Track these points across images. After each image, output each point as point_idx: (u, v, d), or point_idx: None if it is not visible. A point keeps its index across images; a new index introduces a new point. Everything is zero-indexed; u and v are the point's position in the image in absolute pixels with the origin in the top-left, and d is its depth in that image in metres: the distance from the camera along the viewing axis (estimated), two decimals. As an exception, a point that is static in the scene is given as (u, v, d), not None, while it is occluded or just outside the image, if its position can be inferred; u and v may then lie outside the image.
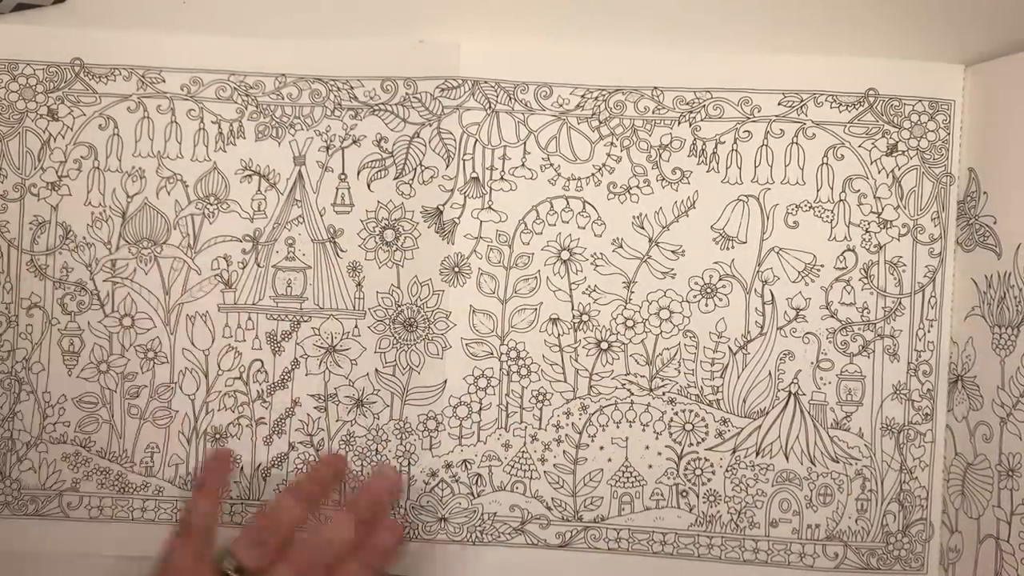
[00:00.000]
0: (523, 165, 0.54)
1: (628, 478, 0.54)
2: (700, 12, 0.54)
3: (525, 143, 0.54)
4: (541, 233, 0.54)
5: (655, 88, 0.54)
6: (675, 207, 0.54)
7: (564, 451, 0.54)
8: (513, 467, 0.54)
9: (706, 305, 0.54)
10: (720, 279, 0.54)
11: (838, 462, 0.53)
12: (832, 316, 0.53)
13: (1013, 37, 0.53)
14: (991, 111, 0.52)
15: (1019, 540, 0.49)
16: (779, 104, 0.53)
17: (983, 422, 0.51)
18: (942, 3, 0.54)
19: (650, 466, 0.54)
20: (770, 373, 0.54)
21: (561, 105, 0.54)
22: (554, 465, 0.54)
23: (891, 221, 0.53)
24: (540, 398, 0.54)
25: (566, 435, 0.54)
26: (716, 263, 0.54)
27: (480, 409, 0.54)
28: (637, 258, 0.54)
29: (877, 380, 0.53)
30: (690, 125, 0.54)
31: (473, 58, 0.54)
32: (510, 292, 0.54)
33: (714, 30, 0.54)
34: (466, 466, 0.54)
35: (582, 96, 0.54)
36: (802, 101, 0.53)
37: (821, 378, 0.53)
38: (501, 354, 0.54)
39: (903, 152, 0.53)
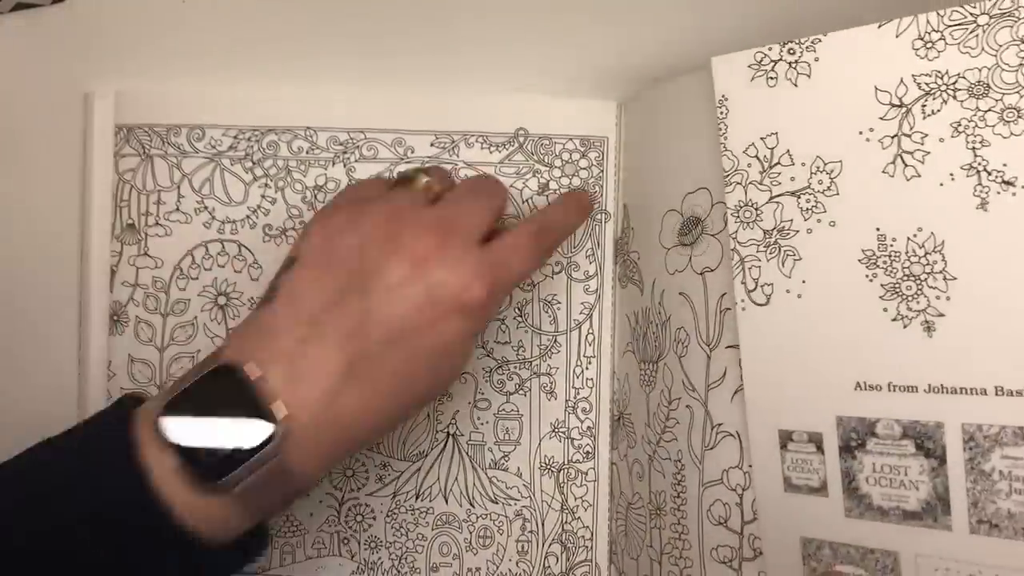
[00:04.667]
0: (177, 209, 0.53)
1: (289, 528, 0.52)
2: (353, 52, 0.54)
3: (179, 187, 0.53)
4: (197, 278, 0.53)
5: (308, 128, 0.53)
6: (333, 249, 0.53)
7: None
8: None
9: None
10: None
11: (497, 503, 0.53)
12: (488, 355, 0.53)
13: (671, 71, 0.54)
14: (638, 145, 0.53)
15: (671, 579, 0.49)
16: (431, 145, 0.53)
17: (637, 459, 0.51)
18: (596, 41, 0.55)
19: (311, 514, 0.53)
20: (428, 414, 0.53)
21: (214, 147, 0.53)
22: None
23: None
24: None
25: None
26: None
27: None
28: (297, 302, 0.53)
29: (535, 418, 0.53)
30: (345, 165, 0.53)
31: (125, 104, 0.53)
32: (167, 340, 0.53)
33: (367, 70, 0.54)
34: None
35: (234, 137, 0.53)
36: (453, 142, 0.53)
37: (479, 418, 0.53)
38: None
39: (555, 191, 0.53)
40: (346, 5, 0.54)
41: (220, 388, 0.39)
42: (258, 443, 0.38)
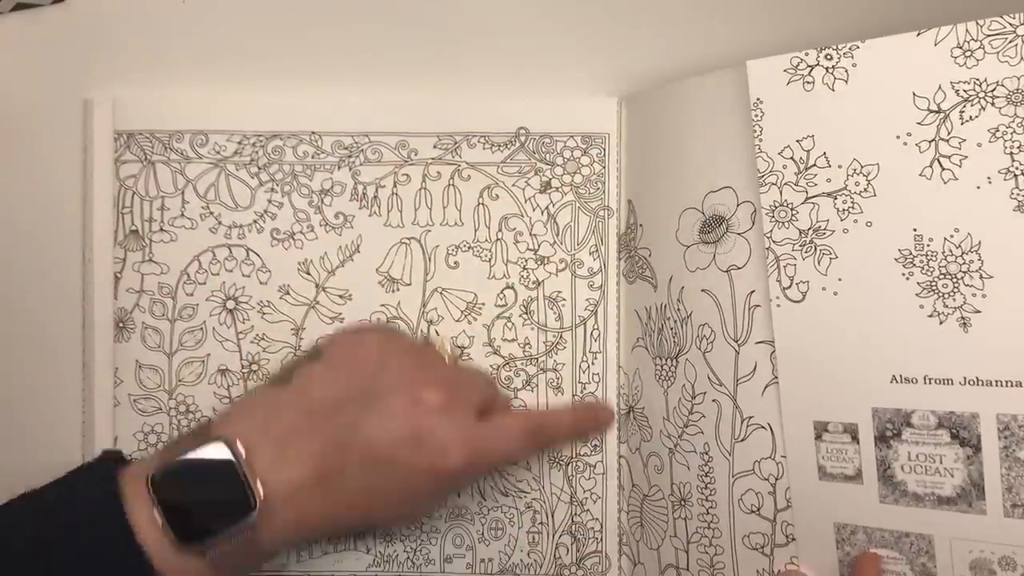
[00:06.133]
0: (182, 215, 0.53)
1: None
2: (355, 56, 0.54)
3: (183, 192, 0.53)
4: (205, 283, 0.53)
5: (313, 133, 0.54)
6: (340, 252, 0.54)
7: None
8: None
9: (375, 348, 0.54)
10: (387, 322, 0.54)
11: (508, 496, 0.54)
12: (495, 352, 0.54)
13: (668, 69, 0.55)
14: (645, 142, 0.53)
15: (698, 568, 0.51)
16: (434, 147, 0.54)
17: (654, 453, 0.53)
18: (597, 38, 0.55)
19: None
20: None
21: (218, 152, 0.53)
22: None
23: (547, 257, 0.54)
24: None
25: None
26: (383, 305, 0.54)
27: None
28: (305, 304, 0.54)
29: (543, 413, 0.54)
30: (350, 169, 0.54)
31: (125, 110, 0.53)
32: (176, 345, 0.53)
33: (370, 73, 0.55)
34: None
35: (239, 143, 0.53)
36: (456, 143, 0.54)
37: (488, 414, 0.54)
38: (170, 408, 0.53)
39: (557, 188, 0.54)
40: (347, 10, 0.54)
41: (211, 460, 0.43)
42: (238, 516, 0.43)
